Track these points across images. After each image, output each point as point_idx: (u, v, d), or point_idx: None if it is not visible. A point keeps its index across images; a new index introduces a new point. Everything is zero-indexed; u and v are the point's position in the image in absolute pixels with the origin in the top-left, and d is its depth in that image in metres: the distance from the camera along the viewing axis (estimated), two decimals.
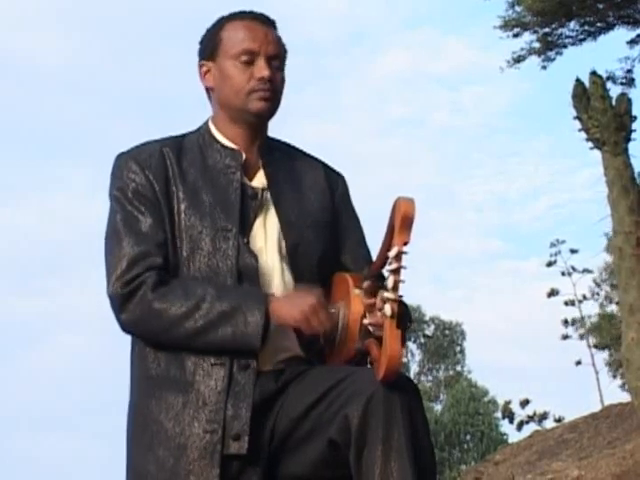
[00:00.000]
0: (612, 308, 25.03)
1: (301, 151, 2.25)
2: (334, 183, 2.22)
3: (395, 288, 1.81)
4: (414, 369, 36.30)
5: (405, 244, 1.80)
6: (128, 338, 2.08)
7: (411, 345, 36.18)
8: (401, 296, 1.83)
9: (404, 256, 1.81)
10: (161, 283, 1.98)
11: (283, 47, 2.15)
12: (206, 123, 2.18)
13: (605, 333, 23.82)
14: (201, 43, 2.17)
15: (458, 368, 36.54)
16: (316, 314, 1.93)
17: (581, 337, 25.08)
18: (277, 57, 2.11)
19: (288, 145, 2.24)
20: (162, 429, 1.95)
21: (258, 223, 2.08)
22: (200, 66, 2.16)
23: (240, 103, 2.08)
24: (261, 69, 2.07)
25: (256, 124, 2.12)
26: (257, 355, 1.97)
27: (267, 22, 2.14)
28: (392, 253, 1.80)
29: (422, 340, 36.37)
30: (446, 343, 36.39)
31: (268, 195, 2.10)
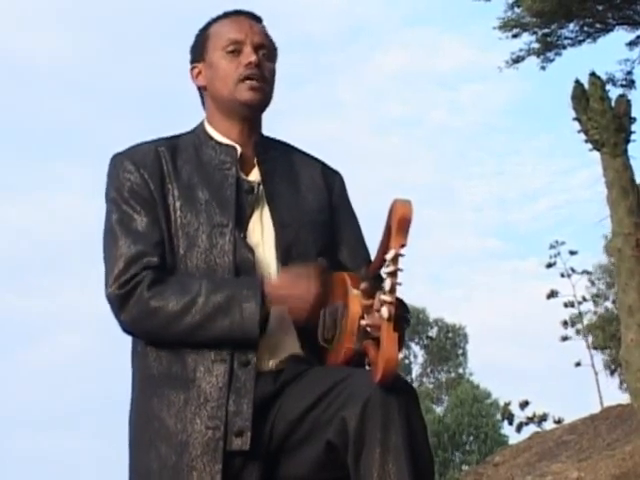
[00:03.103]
0: (608, 307, 25.02)
1: (298, 149, 2.25)
2: (331, 181, 2.23)
3: (392, 291, 1.80)
4: (416, 371, 36.30)
5: (402, 246, 1.80)
6: (128, 337, 2.08)
7: (414, 347, 36.19)
8: (398, 298, 1.83)
9: (401, 258, 1.81)
10: (157, 281, 1.98)
11: (271, 40, 2.17)
12: (201, 123, 2.19)
13: (603, 334, 23.81)
14: (191, 49, 2.20)
15: (460, 371, 36.52)
16: (312, 291, 1.95)
17: (578, 332, 25.08)
18: (264, 47, 2.13)
19: (285, 143, 2.24)
20: (164, 426, 1.95)
21: (255, 217, 2.08)
22: (192, 69, 2.18)
23: (230, 93, 2.09)
24: (248, 55, 2.09)
25: (249, 116, 2.13)
26: (257, 351, 1.97)
27: (252, 16, 2.18)
28: (389, 256, 1.80)
29: (425, 342, 36.37)
30: (449, 346, 36.38)
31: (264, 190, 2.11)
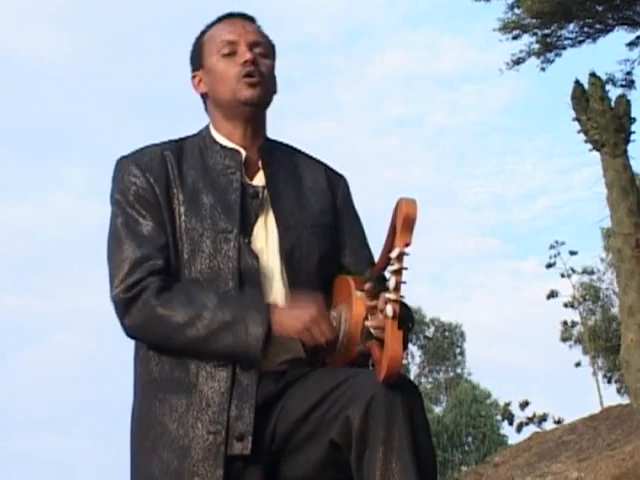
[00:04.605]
0: (598, 320, 25.03)
1: (302, 152, 2.25)
2: (335, 184, 2.22)
3: (397, 289, 1.81)
4: (414, 371, 36.28)
5: (407, 245, 1.81)
6: (128, 338, 2.07)
7: (411, 347, 36.13)
8: (402, 297, 1.83)
9: (406, 257, 1.81)
10: (164, 288, 1.98)
11: (266, 38, 2.18)
12: (207, 126, 2.19)
13: (596, 344, 23.80)
14: (190, 59, 2.21)
15: (458, 370, 36.50)
16: (318, 326, 1.94)
17: (575, 342, 25.08)
18: (259, 44, 2.14)
19: (289, 146, 2.24)
20: (166, 431, 1.95)
21: (259, 223, 2.08)
22: (192, 78, 2.19)
23: (230, 94, 2.09)
24: (243, 54, 2.10)
25: (251, 115, 2.12)
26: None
27: (245, 17, 2.19)
28: (394, 254, 1.81)
29: (422, 342, 36.35)
30: (446, 345, 36.36)
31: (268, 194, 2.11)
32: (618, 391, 23.78)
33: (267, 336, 1.94)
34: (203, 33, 2.18)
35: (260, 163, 2.13)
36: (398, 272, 1.81)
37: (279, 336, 1.98)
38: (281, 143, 2.22)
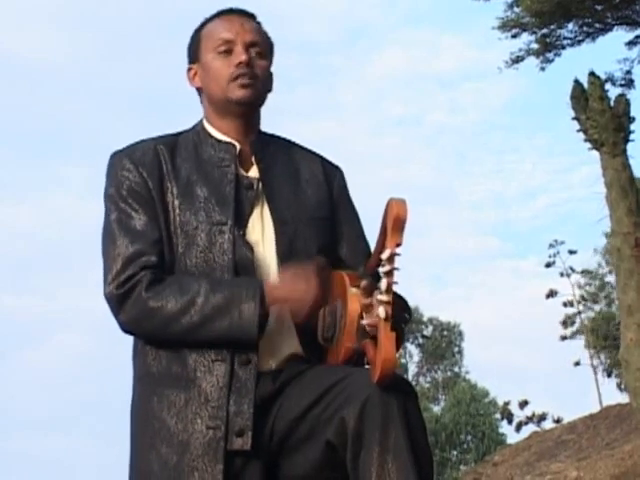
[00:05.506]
0: (602, 309, 25.02)
1: (298, 145, 2.25)
2: (331, 176, 2.22)
3: (388, 290, 1.80)
4: (412, 370, 36.28)
5: (398, 246, 1.80)
6: (127, 336, 2.07)
7: (409, 346, 36.15)
8: (398, 295, 1.83)
9: (397, 258, 1.80)
10: (156, 281, 1.98)
11: (265, 36, 2.18)
12: (200, 121, 2.20)
13: (596, 338, 23.79)
14: (187, 50, 2.21)
15: (456, 369, 36.51)
16: (311, 291, 1.94)
17: (574, 334, 25.08)
18: (256, 44, 2.13)
19: (284, 139, 2.24)
20: (164, 426, 1.95)
21: (255, 215, 2.08)
22: (188, 71, 2.19)
23: (222, 93, 2.10)
24: (238, 55, 2.10)
25: (243, 114, 2.12)
26: (257, 350, 1.97)
27: (244, 14, 2.18)
28: (385, 255, 1.80)
29: (420, 341, 36.35)
30: (444, 344, 36.37)
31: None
32: (618, 386, 23.77)
33: (262, 311, 1.94)
34: (202, 27, 2.18)
35: (253, 157, 2.13)
36: (389, 273, 1.80)
37: (276, 335, 1.99)
38: (275, 136, 2.22)
